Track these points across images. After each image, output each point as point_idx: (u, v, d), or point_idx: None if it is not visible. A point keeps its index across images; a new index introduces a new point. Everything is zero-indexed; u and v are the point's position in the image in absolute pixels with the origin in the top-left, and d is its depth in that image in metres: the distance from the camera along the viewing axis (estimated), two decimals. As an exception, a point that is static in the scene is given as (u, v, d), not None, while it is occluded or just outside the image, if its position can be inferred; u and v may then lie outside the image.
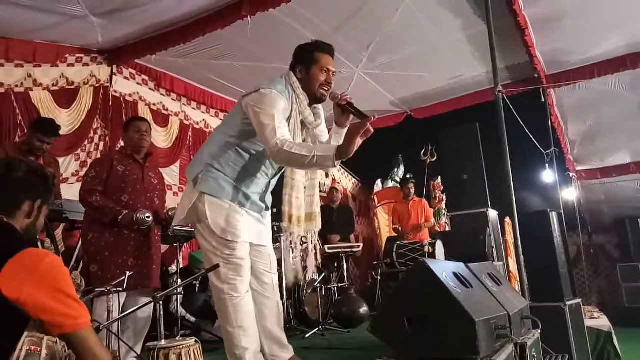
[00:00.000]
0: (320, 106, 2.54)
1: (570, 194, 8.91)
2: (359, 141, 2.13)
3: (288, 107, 2.32)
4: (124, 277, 2.59)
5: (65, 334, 1.35)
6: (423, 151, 8.31)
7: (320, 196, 2.76)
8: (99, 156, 5.08)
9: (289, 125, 2.29)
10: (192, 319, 4.43)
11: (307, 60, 2.42)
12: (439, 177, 7.87)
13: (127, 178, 3.17)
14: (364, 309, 4.67)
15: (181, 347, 1.88)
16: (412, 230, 6.65)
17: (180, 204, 2.43)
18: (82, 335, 1.37)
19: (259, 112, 2.22)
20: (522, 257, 3.92)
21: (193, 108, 6.71)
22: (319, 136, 2.55)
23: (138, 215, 3.01)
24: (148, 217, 3.05)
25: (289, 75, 2.43)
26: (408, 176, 7.06)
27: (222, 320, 2.32)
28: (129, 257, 3.07)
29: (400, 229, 6.87)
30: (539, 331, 2.59)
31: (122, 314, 2.66)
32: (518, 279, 4.03)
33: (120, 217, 3.01)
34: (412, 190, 6.94)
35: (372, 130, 2.15)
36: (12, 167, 1.50)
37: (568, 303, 3.70)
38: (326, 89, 2.42)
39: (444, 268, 2.15)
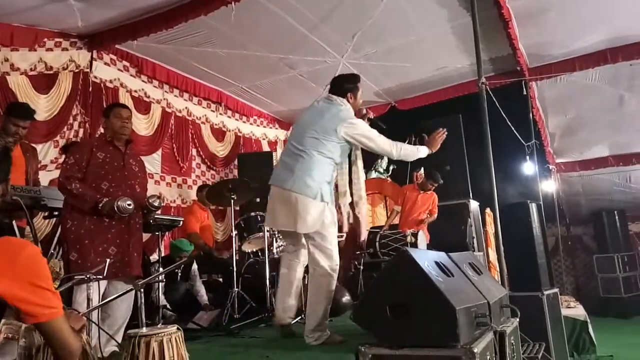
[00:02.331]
0: None
1: (549, 186, 9.05)
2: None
3: None
4: (104, 265, 2.55)
5: (39, 323, 1.36)
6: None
7: None
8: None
9: None
10: (171, 314, 4.40)
11: (355, 91, 3.30)
12: (422, 168, 7.92)
13: (107, 165, 3.11)
14: (346, 298, 4.69)
15: (163, 334, 1.87)
16: (413, 224, 6.52)
17: (301, 216, 2.98)
18: (54, 325, 1.38)
19: (366, 133, 3.14)
20: (502, 247, 3.97)
21: (175, 95, 6.62)
22: None
23: (119, 203, 2.96)
24: (129, 204, 3.00)
25: (345, 102, 3.20)
26: (440, 181, 6.82)
27: (322, 297, 3.12)
28: (109, 244, 3.02)
29: (399, 212, 6.74)
30: (518, 319, 2.64)
31: (103, 302, 2.63)
32: (498, 269, 4.10)
33: (100, 205, 2.96)
34: (431, 188, 6.76)
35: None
36: None
37: (546, 292, 3.77)
38: None
39: (426, 257, 2.17)
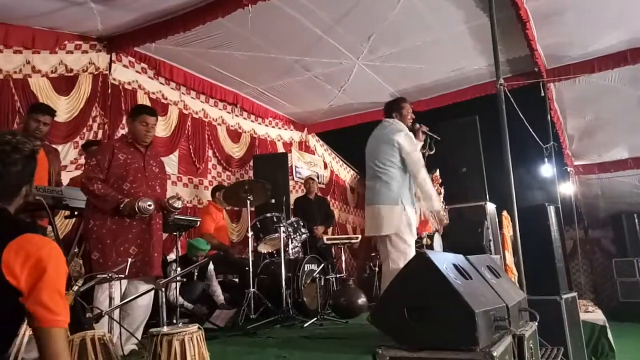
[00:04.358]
0: None
1: (567, 189, 8.94)
2: None
3: None
4: (125, 264, 2.59)
5: (41, 327, 1.32)
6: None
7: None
8: (98, 144, 5.06)
9: None
10: (190, 305, 4.45)
11: (400, 109, 3.88)
12: (438, 170, 7.88)
13: (129, 166, 3.16)
14: (362, 300, 4.68)
15: (184, 333, 1.89)
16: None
17: (388, 218, 3.54)
18: (55, 334, 1.33)
19: (406, 147, 3.67)
20: (520, 251, 3.93)
21: (192, 97, 6.69)
22: None
23: (139, 204, 3.01)
24: (149, 205, 3.05)
25: (392, 121, 3.83)
26: None
27: None
28: (130, 244, 3.06)
29: None
30: (536, 323, 2.61)
31: (124, 301, 2.67)
32: (515, 272, 4.06)
33: (121, 205, 3.01)
34: None
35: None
36: (12, 157, 1.48)
37: (564, 296, 3.73)
38: None
39: (444, 259, 2.17)
